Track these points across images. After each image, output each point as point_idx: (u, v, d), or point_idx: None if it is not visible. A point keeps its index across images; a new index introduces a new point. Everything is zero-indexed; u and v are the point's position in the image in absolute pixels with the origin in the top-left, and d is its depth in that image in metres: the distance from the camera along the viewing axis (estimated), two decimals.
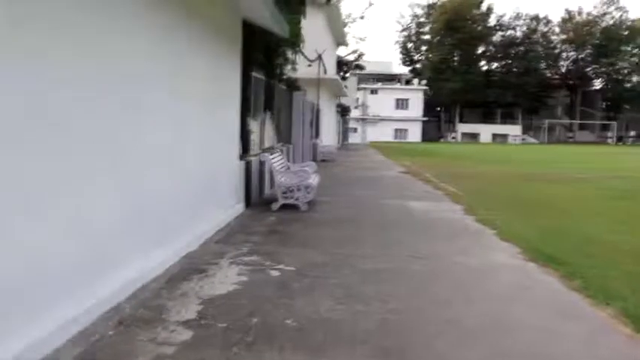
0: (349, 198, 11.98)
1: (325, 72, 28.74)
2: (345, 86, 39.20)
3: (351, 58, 47.85)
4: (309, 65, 28.38)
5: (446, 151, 41.89)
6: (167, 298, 4.76)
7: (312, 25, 25.92)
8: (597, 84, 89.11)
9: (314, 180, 10.27)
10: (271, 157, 10.27)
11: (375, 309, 4.66)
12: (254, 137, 11.70)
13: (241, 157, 9.69)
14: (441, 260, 6.52)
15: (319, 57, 28.03)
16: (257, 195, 10.72)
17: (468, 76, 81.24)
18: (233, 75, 9.05)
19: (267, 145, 13.61)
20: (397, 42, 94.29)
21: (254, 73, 10.87)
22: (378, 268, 6.00)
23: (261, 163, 10.67)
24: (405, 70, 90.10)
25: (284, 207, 9.79)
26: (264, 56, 12.45)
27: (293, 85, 17.89)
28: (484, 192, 13.69)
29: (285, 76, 17.34)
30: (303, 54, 21.32)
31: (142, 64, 5.02)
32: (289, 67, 17.06)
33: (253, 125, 11.12)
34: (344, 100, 45.68)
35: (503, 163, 26.95)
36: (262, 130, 12.46)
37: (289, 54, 16.20)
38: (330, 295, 4.96)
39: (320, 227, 8.44)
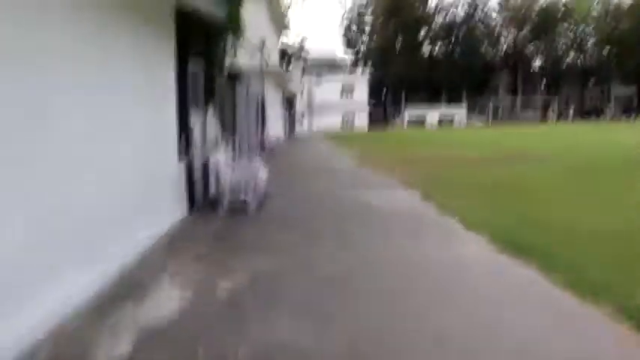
0: (301, 192, 11.36)
1: (267, 64, 27.92)
2: (290, 75, 38.46)
3: (295, 43, 47.10)
4: (252, 57, 27.58)
5: (393, 137, 41.75)
6: (95, 331, 4.03)
7: (254, 13, 25.12)
8: (537, 62, 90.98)
9: (262, 174, 9.58)
10: (215, 153, 9.52)
11: (341, 328, 4.06)
12: (195, 133, 10.93)
13: (182, 156, 8.92)
14: (406, 259, 5.97)
15: (262, 45, 27.21)
16: (202, 195, 9.97)
17: (412, 59, 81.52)
18: (165, 67, 8.27)
19: (210, 140, 12.84)
20: (340, 26, 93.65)
21: (191, 65, 10.07)
22: (338, 274, 5.41)
23: (204, 163, 9.91)
24: (349, 55, 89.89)
25: (231, 206, 9.08)
26: (203, 46, 11.65)
27: (236, 76, 17.10)
28: (438, 177, 13.29)
29: (226, 67, 16.56)
30: (244, 43, 20.49)
31: (46, 57, 4.23)
32: (231, 57, 16.28)
33: (194, 120, 10.34)
34: (289, 90, 44.90)
35: (452, 146, 26.83)
36: (205, 125, 11.66)
37: (230, 44, 15.41)
38: (289, 313, 4.34)
39: (271, 228, 7.80)
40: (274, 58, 31.00)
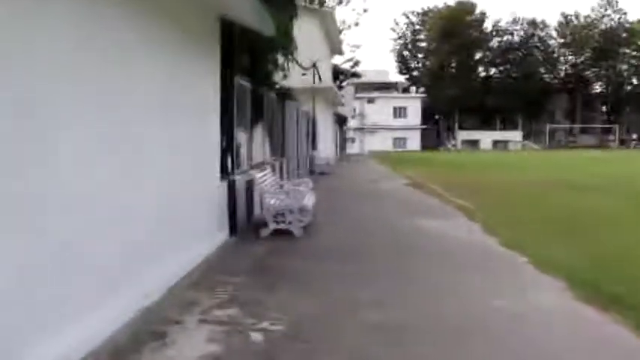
0: (351, 218, 10.58)
1: (320, 80, 27.42)
2: (342, 95, 37.94)
3: (347, 66, 46.64)
4: (304, 74, 27.10)
5: (448, 159, 40.53)
6: None
7: (307, 32, 24.65)
8: (597, 87, 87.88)
9: (309, 200, 8.86)
10: (260, 174, 8.87)
11: None
12: (241, 152, 10.33)
13: (224, 176, 8.30)
14: (473, 306, 5.09)
15: (314, 65, 26.75)
16: (245, 219, 9.32)
17: (465, 83, 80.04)
18: (210, 82, 7.69)
19: (257, 160, 12.23)
20: (393, 50, 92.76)
21: (238, 81, 9.51)
22: (395, 321, 4.58)
23: (249, 182, 9.26)
24: (401, 78, 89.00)
25: (275, 233, 8.37)
26: (250, 61, 11.11)
27: (286, 94, 16.55)
28: (499, 205, 12.29)
29: (276, 85, 16.03)
30: (296, 61, 20.01)
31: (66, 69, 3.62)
32: (280, 74, 15.76)
33: (239, 139, 9.75)
34: (341, 110, 44.39)
35: (511, 170, 25.55)
36: (250, 144, 11.07)
37: (280, 60, 14.89)
38: None
39: (317, 260, 7.03)
40: (326, 77, 30.52)
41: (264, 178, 8.95)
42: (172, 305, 4.98)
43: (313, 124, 25.76)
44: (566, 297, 5.33)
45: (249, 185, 9.27)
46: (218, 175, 8.14)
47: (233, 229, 8.59)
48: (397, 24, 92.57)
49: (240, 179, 8.90)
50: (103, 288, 4.15)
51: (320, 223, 9.63)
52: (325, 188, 16.39)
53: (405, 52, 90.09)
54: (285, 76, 16.42)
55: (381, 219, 10.38)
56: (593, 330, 4.49)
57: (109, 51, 4.32)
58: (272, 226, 8.34)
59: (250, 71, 10.81)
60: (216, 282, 5.85)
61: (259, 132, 12.38)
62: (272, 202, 8.38)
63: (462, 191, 14.98)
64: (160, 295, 5.10)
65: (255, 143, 12.36)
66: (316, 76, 27.67)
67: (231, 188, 8.55)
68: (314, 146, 25.56)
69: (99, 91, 4.14)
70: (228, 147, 8.48)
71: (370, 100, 73.88)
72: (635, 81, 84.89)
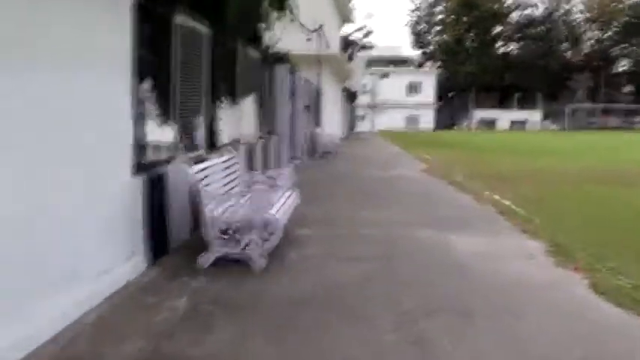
0: (349, 227, 7.31)
1: (327, 47, 24.02)
2: (352, 68, 34.48)
3: (358, 36, 43.03)
4: (308, 39, 23.70)
5: (466, 140, 36.96)
6: None
7: None
8: (623, 65, 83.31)
9: (282, 207, 5.63)
10: (203, 165, 5.62)
11: None
12: (194, 128, 7.14)
13: (140, 168, 5.12)
14: None
15: (320, 28, 23.32)
16: (189, 231, 6.14)
17: (483, 59, 75.90)
18: (107, 11, 4.48)
19: (225, 139, 9.04)
20: (408, 23, 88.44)
21: (184, 20, 6.24)
22: None
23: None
24: (416, 53, 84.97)
25: (223, 262, 5.19)
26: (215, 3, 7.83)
27: (278, 57, 13.26)
28: (555, 208, 9.01)
29: (267, 47, 12.77)
30: (294, 18, 16.64)
31: None
32: (269, 33, 12.50)
33: (188, 109, 6.54)
34: (350, 85, 40.93)
35: (543, 154, 22.09)
36: (212, 117, 7.87)
37: (272, 15, 11.63)
38: None
39: (283, 330, 3.84)
40: (334, 45, 27.05)
41: (212, 170, 5.70)
42: None
43: (317, 97, 22.45)
44: None
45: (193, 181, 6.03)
46: (128, 165, 4.97)
47: (159, 251, 5.44)
48: None
49: (177, 171, 5.70)
50: None
51: (300, 238, 6.44)
52: (322, 177, 13.17)
53: (421, 26, 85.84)
54: (273, 36, 13.22)
55: (393, 231, 7.11)
56: None
57: None
58: (216, 250, 5.13)
59: (210, 11, 7.53)
60: None
61: (230, 101, 9.16)
62: (217, 211, 5.16)
63: (494, 183, 11.69)
64: None
65: (225, 116, 9.19)
66: (322, 43, 24.29)
67: (155, 186, 5.37)
68: (317, 122, 22.28)
69: None
70: (140, 119, 5.26)
71: (383, 75, 70.07)
72: None
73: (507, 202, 9.05)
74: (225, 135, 9.41)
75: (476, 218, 7.99)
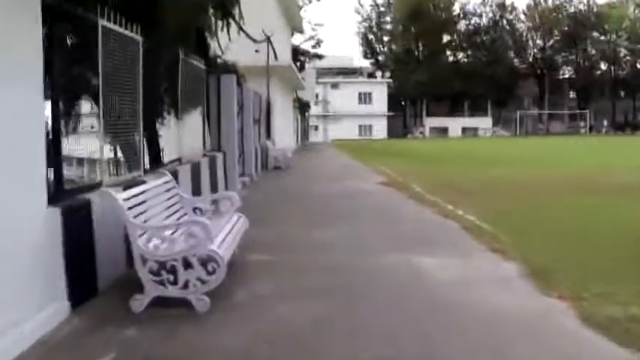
0: (304, 252, 6.61)
1: (276, 58, 23.34)
2: (303, 78, 33.92)
3: (308, 46, 42.58)
4: (257, 50, 22.98)
5: (421, 149, 36.78)
6: None
7: (259, 2, 20.69)
8: (566, 72, 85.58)
9: (226, 241, 4.88)
10: (134, 190, 4.84)
11: None
12: (131, 147, 6.36)
13: (59, 196, 4.33)
14: None
15: (268, 39, 22.63)
16: (120, 268, 5.32)
17: (433, 67, 76.60)
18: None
19: (165, 159, 8.27)
20: (357, 33, 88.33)
21: (111, 25, 5.45)
22: None
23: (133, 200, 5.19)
24: (366, 63, 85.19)
25: (161, 304, 4.42)
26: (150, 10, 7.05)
27: (224, 67, 12.51)
28: (522, 221, 8.52)
29: (213, 57, 12.04)
30: (240, 27, 15.90)
31: None
32: (215, 44, 11.78)
33: (115, 129, 5.74)
34: (302, 95, 40.38)
35: (499, 163, 21.90)
36: (144, 136, 7.08)
37: (215, 23, 10.91)
38: None
39: None
40: (284, 56, 26.41)
41: (146, 195, 4.92)
42: None
43: (268, 108, 21.73)
44: None
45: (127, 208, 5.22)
46: (42, 193, 4.17)
47: (85, 293, 4.63)
48: (362, 5, 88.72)
49: (104, 197, 4.88)
50: None
51: (250, 266, 5.71)
52: (274, 194, 12.48)
53: (370, 36, 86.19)
54: (221, 48, 12.54)
55: (353, 254, 6.44)
56: None
57: None
58: (150, 292, 4.35)
59: (151, 23, 6.74)
60: None
61: (170, 116, 8.38)
62: (149, 245, 4.38)
63: (454, 195, 11.20)
64: None
65: (166, 133, 8.43)
66: (271, 53, 23.60)
67: (78, 216, 4.57)
68: (268, 135, 21.55)
69: None
70: (82, 139, 4.48)
71: (334, 85, 69.92)
72: (603, 66, 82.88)
73: (471, 217, 8.52)
74: (165, 153, 8.62)
75: (440, 236, 7.41)
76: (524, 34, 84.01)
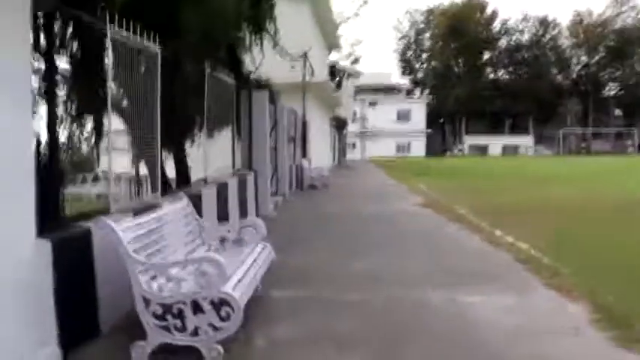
0: (335, 287, 5.83)
1: (313, 74, 22.82)
2: (340, 95, 33.34)
3: (346, 63, 42.05)
4: (293, 67, 22.51)
5: (462, 167, 35.67)
6: None
7: (295, 18, 20.26)
8: (611, 89, 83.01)
9: (244, 280, 4.20)
10: (142, 218, 4.23)
11: None
12: (141, 170, 5.81)
13: (53, 225, 3.75)
14: None
15: (304, 55, 22.14)
16: (126, 306, 4.69)
17: (473, 84, 75.31)
18: None
19: (194, 177, 7.71)
20: (396, 50, 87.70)
21: (116, 32, 4.88)
22: None
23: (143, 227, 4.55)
24: (405, 80, 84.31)
25: (165, 349, 3.76)
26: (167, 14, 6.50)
27: (257, 84, 11.96)
28: (585, 252, 7.60)
29: (246, 73, 11.52)
30: (275, 42, 15.40)
31: None
32: (248, 58, 11.28)
33: (124, 152, 5.18)
34: (340, 113, 39.79)
35: (547, 182, 20.74)
36: (175, 154, 6.52)
37: (249, 40, 10.42)
38: None
39: None
40: (322, 73, 25.87)
41: (157, 223, 4.31)
42: None
43: (303, 126, 21.17)
44: None
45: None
46: (31, 222, 3.58)
47: (83, 335, 4.04)
48: (400, 23, 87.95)
49: (106, 227, 4.27)
50: None
51: (271, 311, 5.00)
52: (307, 216, 11.80)
53: (409, 52, 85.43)
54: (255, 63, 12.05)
55: (391, 297, 5.63)
56: None
57: None
58: (154, 339, 3.70)
59: (170, 33, 6.19)
60: None
61: (195, 133, 7.83)
62: (154, 285, 3.74)
63: (502, 219, 10.32)
64: None
65: (191, 152, 7.88)
66: (308, 70, 23.09)
67: (75, 248, 3.97)
68: (304, 153, 20.95)
69: None
70: (53, 162, 3.90)
71: (372, 103, 69.17)
72: None
73: (525, 246, 7.67)
74: (193, 174, 8.05)
75: (491, 269, 6.59)
76: (568, 50, 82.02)
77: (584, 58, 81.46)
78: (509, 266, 6.68)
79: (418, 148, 70.22)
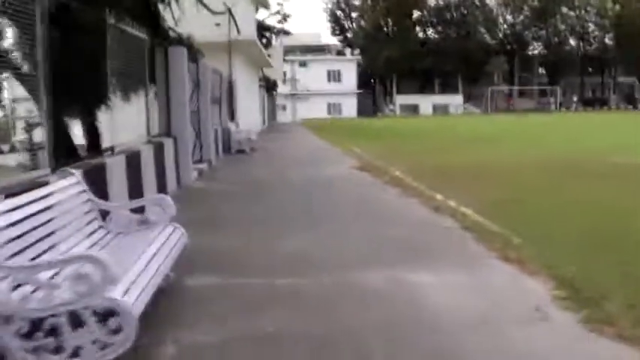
0: (263, 271, 5.01)
1: (238, 32, 21.59)
2: (269, 55, 32.17)
3: (274, 21, 40.65)
4: (217, 24, 21.18)
5: (394, 128, 35.36)
6: None
7: None
8: (535, 48, 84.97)
9: (142, 278, 3.32)
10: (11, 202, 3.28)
11: None
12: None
13: None
14: None
15: (229, 12, 20.85)
16: None
17: (403, 44, 75.17)
18: None
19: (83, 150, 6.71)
20: (325, 9, 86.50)
21: None
22: None
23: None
24: (335, 40, 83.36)
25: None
26: None
27: (176, 41, 10.82)
28: (531, 216, 7.11)
29: (166, 29, 10.48)
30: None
31: None
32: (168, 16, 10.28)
33: None
34: (269, 73, 38.60)
35: (477, 142, 20.60)
36: (62, 119, 5.48)
37: None
38: None
39: None
40: (249, 31, 24.58)
41: (29, 211, 3.36)
42: None
43: (230, 87, 20.04)
44: None
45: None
46: None
47: None
48: None
49: None
50: None
51: (187, 305, 4.17)
52: (232, 184, 10.93)
53: (339, 12, 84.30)
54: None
55: (328, 280, 4.87)
56: None
57: None
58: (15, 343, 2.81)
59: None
60: None
61: (97, 95, 6.76)
62: (15, 294, 2.82)
63: (439, 182, 9.81)
64: None
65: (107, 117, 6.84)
66: (233, 28, 21.80)
67: None
68: (232, 116, 19.88)
69: None
70: None
71: (302, 64, 68.00)
72: (573, 42, 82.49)
73: (469, 211, 7.11)
74: (100, 142, 7.02)
75: (437, 241, 5.97)
76: (495, 9, 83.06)
77: (509, 18, 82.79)
78: (456, 235, 6.08)
79: (350, 108, 69.82)
